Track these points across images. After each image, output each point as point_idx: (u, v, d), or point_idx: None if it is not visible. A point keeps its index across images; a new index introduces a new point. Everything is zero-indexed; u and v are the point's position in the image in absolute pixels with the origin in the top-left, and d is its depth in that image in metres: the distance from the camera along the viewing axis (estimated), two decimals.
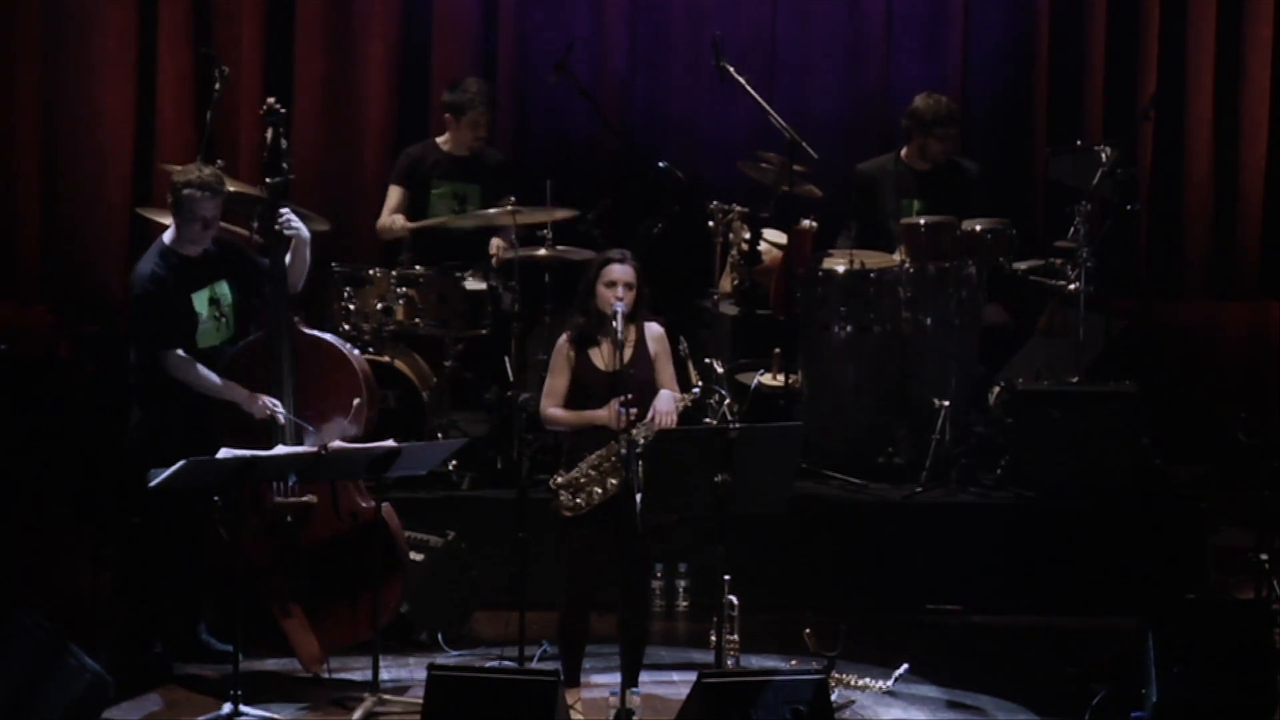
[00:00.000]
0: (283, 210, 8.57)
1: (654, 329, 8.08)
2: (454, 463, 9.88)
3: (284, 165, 8.69)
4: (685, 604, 9.79)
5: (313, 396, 8.57)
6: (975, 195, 10.71)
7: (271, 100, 8.80)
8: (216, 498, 8.35)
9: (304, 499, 8.50)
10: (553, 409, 8.01)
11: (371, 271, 10.04)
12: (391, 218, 10.50)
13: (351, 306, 9.99)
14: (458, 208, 10.41)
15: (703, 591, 9.53)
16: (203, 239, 8.52)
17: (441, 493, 9.83)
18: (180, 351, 8.42)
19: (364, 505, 8.54)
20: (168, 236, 8.56)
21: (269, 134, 8.71)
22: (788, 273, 10.42)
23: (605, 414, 7.85)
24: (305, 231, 8.61)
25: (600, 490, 7.85)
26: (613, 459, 7.83)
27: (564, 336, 8.06)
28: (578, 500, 7.87)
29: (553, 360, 8.06)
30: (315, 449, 8.13)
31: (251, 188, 9.63)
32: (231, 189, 9.52)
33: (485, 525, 9.56)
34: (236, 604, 8.08)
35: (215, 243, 8.64)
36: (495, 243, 10.28)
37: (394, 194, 10.56)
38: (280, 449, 8.19)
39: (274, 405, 8.44)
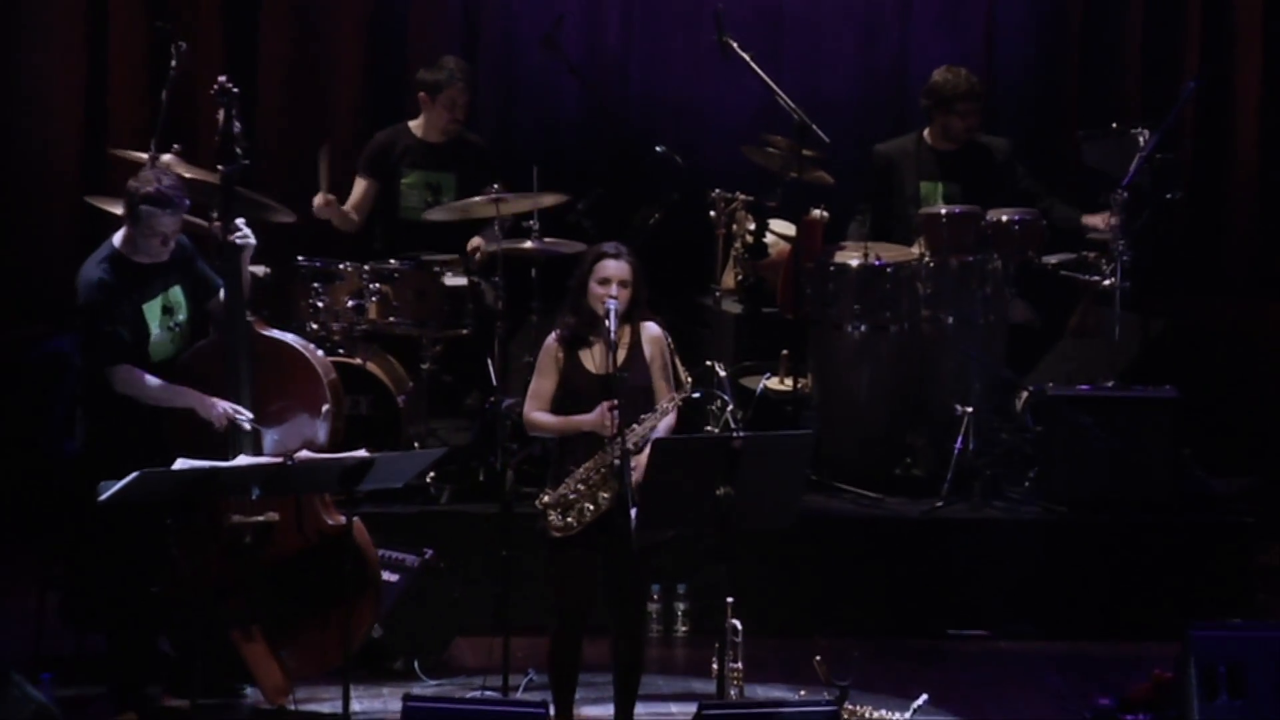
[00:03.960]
0: (238, 223, 8.51)
1: (651, 329, 8.03)
2: (432, 474, 9.92)
3: (238, 151, 8.65)
4: (684, 628, 9.85)
5: (273, 403, 8.53)
6: (1009, 174, 10.70)
7: (223, 79, 8.76)
8: (170, 519, 8.28)
9: (264, 517, 8.41)
10: (537, 413, 7.97)
11: (342, 266, 10.04)
12: (344, 209, 10.48)
13: (320, 304, 9.97)
14: (430, 199, 10.41)
15: (703, 615, 9.61)
16: (160, 253, 8.43)
17: (418, 507, 9.88)
18: (126, 366, 8.37)
19: (330, 522, 8.52)
20: (118, 239, 8.47)
21: (220, 116, 8.68)
22: (796, 267, 10.48)
23: (593, 419, 7.79)
24: (253, 241, 8.57)
25: (592, 506, 7.80)
26: (602, 470, 7.79)
27: (553, 335, 8.03)
28: (568, 519, 7.82)
29: (540, 360, 8.04)
30: (281, 459, 8.07)
31: (210, 175, 9.59)
32: (188, 176, 9.52)
33: (466, 542, 9.62)
34: (196, 631, 8.09)
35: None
36: (475, 240, 10.23)
37: (357, 186, 10.60)
38: (243, 459, 8.12)
39: (234, 410, 8.38)
